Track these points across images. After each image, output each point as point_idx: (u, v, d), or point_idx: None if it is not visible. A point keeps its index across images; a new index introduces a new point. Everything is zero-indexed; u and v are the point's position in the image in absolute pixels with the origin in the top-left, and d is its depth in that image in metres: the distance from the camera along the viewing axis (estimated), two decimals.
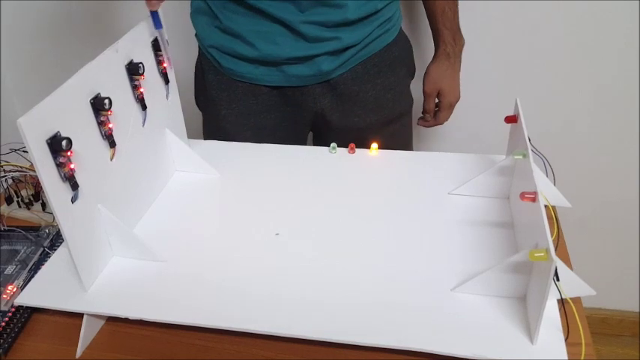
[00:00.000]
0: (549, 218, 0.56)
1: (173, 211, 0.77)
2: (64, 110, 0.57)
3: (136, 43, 0.70)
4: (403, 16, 1.06)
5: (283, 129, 1.02)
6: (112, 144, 0.66)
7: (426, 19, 1.05)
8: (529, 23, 1.19)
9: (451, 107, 1.07)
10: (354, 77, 0.97)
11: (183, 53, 1.05)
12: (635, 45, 1.18)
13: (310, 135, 1.12)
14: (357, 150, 0.86)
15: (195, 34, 1.00)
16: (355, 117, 1.00)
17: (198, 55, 1.04)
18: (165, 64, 0.76)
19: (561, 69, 1.24)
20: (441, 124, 1.09)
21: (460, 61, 1.05)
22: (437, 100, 1.07)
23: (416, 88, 1.08)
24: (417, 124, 1.11)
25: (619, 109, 1.27)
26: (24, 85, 1.50)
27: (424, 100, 1.07)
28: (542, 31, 1.20)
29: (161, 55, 0.75)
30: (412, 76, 1.10)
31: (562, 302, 0.57)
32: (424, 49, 1.23)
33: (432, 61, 1.06)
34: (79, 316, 0.63)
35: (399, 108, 1.05)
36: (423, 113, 1.09)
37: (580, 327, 0.56)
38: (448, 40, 1.03)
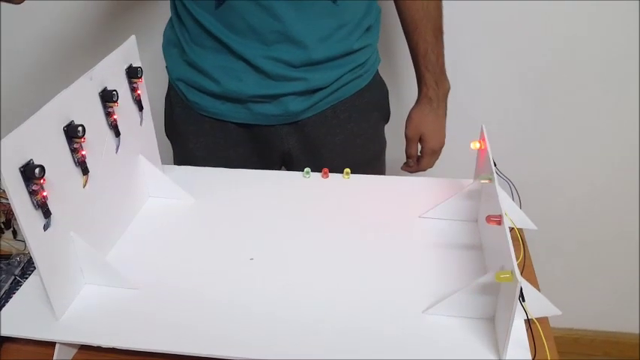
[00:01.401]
0: (515, 240, 0.58)
1: (147, 237, 0.77)
2: (37, 137, 0.58)
3: (110, 71, 0.71)
4: (384, 56, 1.02)
5: (252, 164, 0.98)
6: (85, 171, 0.66)
7: (409, 60, 1.01)
8: (496, 47, 1.22)
9: (434, 154, 1.03)
10: (323, 121, 0.96)
11: (157, 82, 1.05)
12: (606, 68, 1.21)
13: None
14: (330, 175, 0.87)
15: (166, 66, 0.99)
16: (322, 159, 0.98)
17: (168, 87, 1.03)
18: (139, 91, 0.77)
19: (527, 93, 1.27)
20: (424, 170, 1.05)
21: (445, 106, 1.01)
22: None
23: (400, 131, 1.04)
24: (401, 168, 1.08)
25: (588, 133, 1.30)
26: None
27: (406, 145, 1.03)
28: (509, 54, 1.22)
29: (135, 82, 0.76)
30: (386, 120, 1.07)
31: (529, 322, 0.58)
32: (405, 91, 1.20)
33: (414, 105, 1.02)
34: (51, 345, 0.63)
35: (368, 153, 1.03)
36: (406, 158, 1.05)
37: (546, 346, 0.57)
38: (430, 83, 0.98)
